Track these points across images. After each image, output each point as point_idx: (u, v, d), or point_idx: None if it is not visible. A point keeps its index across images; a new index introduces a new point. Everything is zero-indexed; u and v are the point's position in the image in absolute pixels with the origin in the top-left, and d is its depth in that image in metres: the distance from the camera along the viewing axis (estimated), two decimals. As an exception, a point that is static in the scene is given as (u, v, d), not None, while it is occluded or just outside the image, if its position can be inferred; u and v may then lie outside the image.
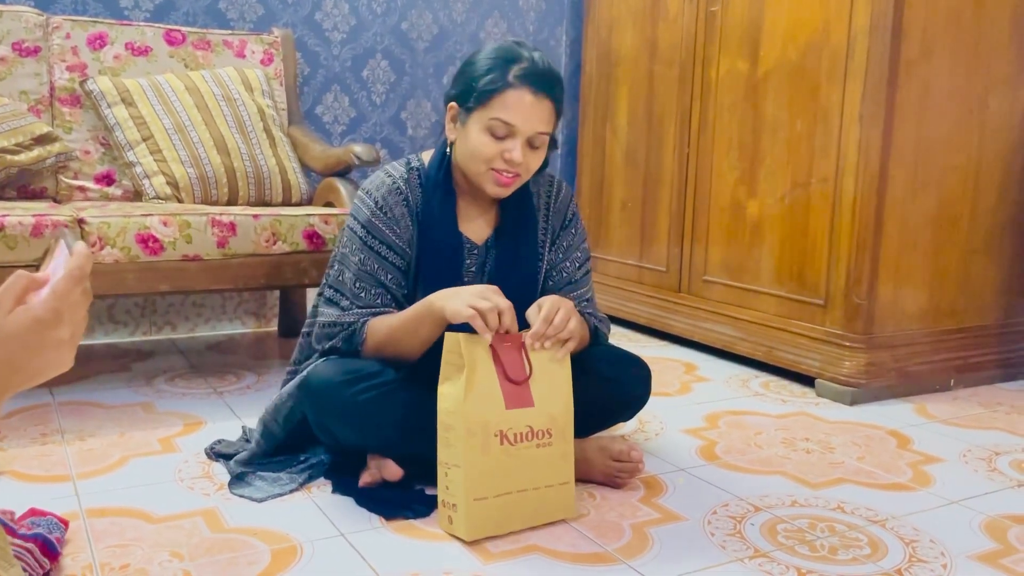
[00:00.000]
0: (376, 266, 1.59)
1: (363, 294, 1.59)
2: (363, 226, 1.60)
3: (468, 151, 1.55)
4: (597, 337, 1.71)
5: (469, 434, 1.39)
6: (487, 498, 1.40)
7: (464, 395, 1.39)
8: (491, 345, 1.42)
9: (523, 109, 1.50)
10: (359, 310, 1.58)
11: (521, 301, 1.50)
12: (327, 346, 1.60)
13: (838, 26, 2.27)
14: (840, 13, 2.26)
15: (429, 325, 1.51)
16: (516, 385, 1.44)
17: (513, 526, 1.44)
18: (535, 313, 1.46)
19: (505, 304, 1.43)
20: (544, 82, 1.52)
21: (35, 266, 0.86)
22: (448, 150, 1.61)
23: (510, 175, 1.54)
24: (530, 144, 1.54)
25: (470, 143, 1.54)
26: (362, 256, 1.59)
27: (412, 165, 1.65)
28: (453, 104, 1.58)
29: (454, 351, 1.42)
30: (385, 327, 1.55)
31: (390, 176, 1.62)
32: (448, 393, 1.41)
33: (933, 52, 2.25)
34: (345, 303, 1.60)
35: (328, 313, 1.61)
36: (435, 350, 1.48)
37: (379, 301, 1.59)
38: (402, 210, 1.60)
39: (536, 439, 1.45)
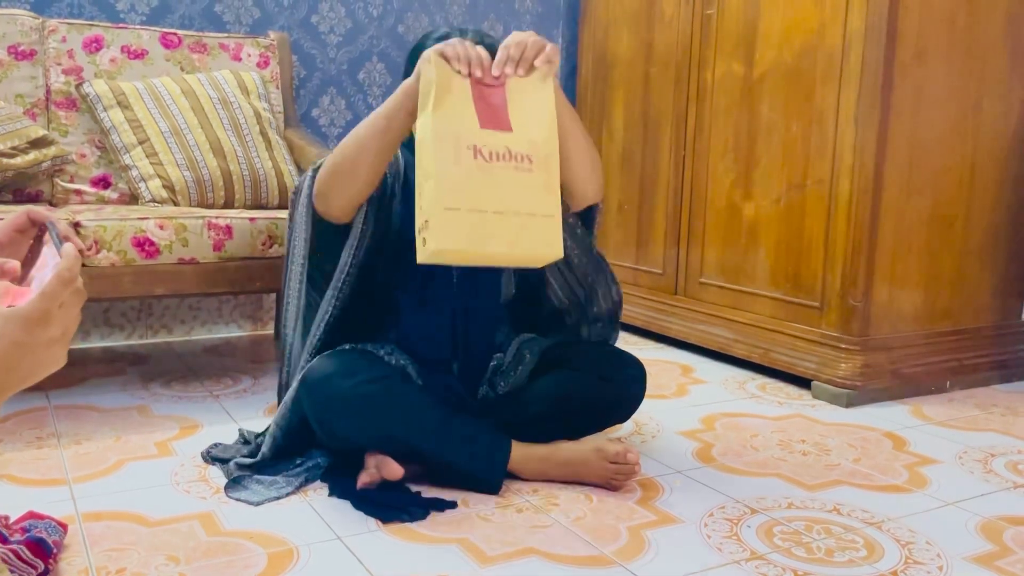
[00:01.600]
0: None
1: None
2: None
3: None
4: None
5: (438, 140, 1.32)
6: (460, 209, 1.32)
7: (432, 109, 1.34)
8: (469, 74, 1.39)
9: None
10: None
11: (496, 276, 1.55)
12: (290, 214, 1.67)
13: (833, 29, 2.27)
14: (835, 16, 2.27)
15: (399, 103, 1.47)
16: (490, 101, 1.37)
17: (491, 248, 1.34)
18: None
19: (479, 53, 1.41)
20: (462, 33, 1.64)
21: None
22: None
23: None
24: None
25: None
26: None
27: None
28: None
29: (425, 78, 1.37)
30: (346, 138, 1.54)
31: None
32: (420, 116, 1.37)
33: (927, 55, 2.26)
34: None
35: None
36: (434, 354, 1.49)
37: None
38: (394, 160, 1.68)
39: (515, 161, 1.37)
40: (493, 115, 1.37)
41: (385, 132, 1.49)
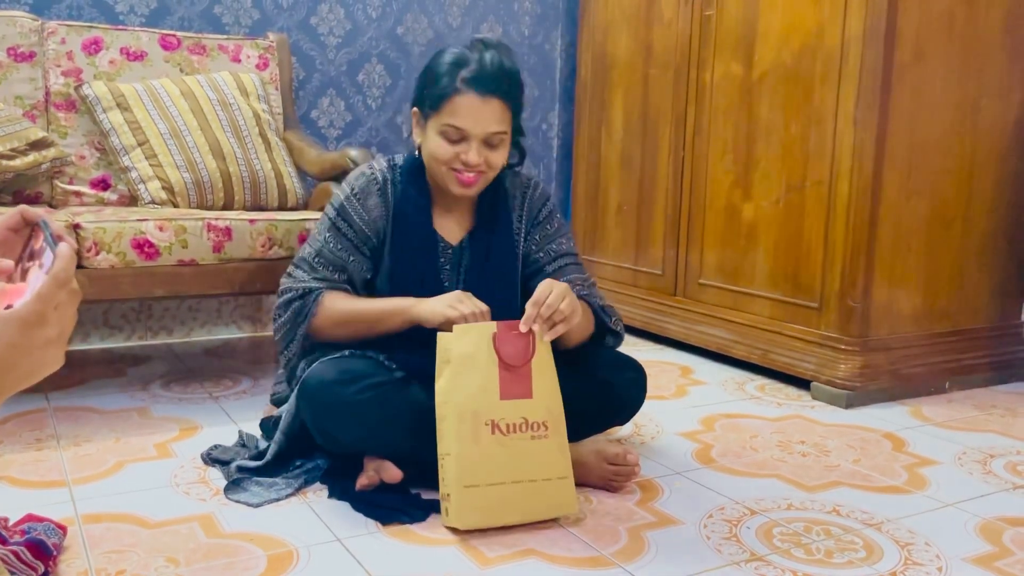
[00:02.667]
0: (339, 247, 1.65)
1: (320, 269, 1.65)
2: (335, 209, 1.67)
3: (429, 154, 1.63)
4: (603, 320, 1.70)
5: (459, 421, 1.41)
6: (479, 486, 1.41)
7: (453, 385, 1.42)
8: (495, 334, 1.45)
9: (471, 113, 1.56)
10: (315, 282, 1.64)
11: (499, 300, 1.56)
12: (280, 314, 1.66)
13: (832, 30, 2.28)
14: (834, 17, 2.27)
15: (399, 323, 1.57)
16: (514, 372, 1.45)
17: (509, 519, 1.45)
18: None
19: (482, 308, 1.49)
20: (491, 83, 1.56)
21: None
22: (417, 153, 1.69)
23: (471, 175, 1.60)
24: (487, 144, 1.59)
25: (429, 147, 1.62)
26: (327, 236, 1.66)
27: (395, 162, 1.72)
28: (415, 109, 1.66)
29: (444, 347, 1.46)
30: (347, 306, 1.61)
31: (371, 168, 1.70)
32: (441, 387, 1.45)
33: (926, 56, 2.26)
34: (299, 274, 1.67)
35: (284, 283, 1.68)
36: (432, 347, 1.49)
37: (336, 277, 1.65)
38: (376, 200, 1.66)
39: (531, 431, 1.46)
40: (515, 382, 1.45)
41: (381, 332, 1.59)
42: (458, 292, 1.54)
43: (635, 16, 2.98)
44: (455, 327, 1.46)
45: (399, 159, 1.72)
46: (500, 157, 1.62)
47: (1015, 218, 2.53)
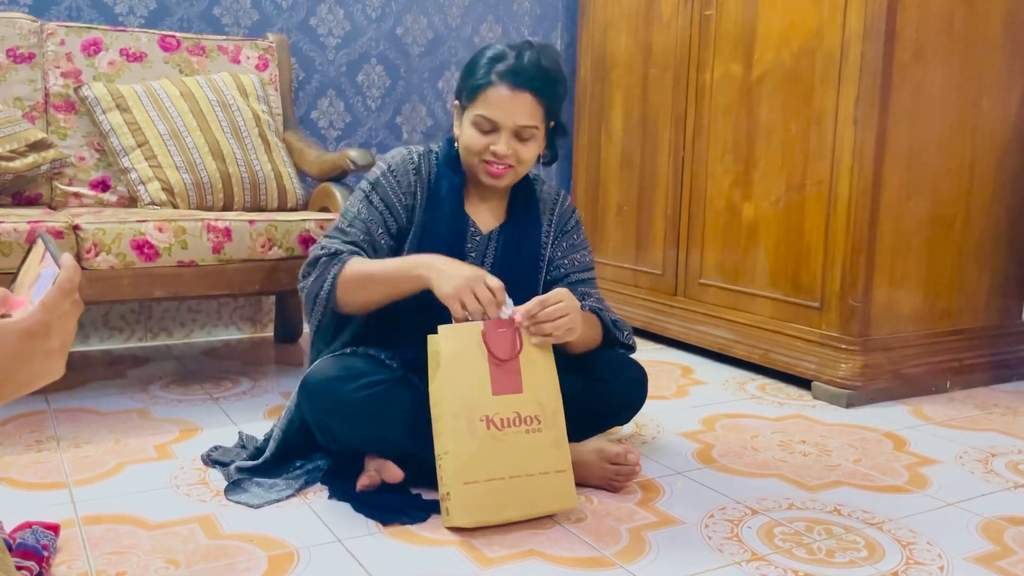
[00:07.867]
0: (371, 218, 1.66)
1: (352, 231, 1.65)
2: (371, 184, 1.69)
3: (463, 145, 1.65)
4: (613, 334, 1.73)
5: (454, 418, 1.42)
6: (478, 482, 1.42)
7: (446, 382, 1.43)
8: (483, 331, 1.46)
9: (502, 104, 1.58)
10: (345, 244, 1.64)
11: (521, 293, 1.56)
12: (308, 271, 1.65)
13: (831, 30, 2.27)
14: (833, 17, 2.27)
15: (410, 286, 1.55)
16: (503, 367, 1.46)
17: (510, 514, 1.45)
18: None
19: (495, 284, 1.47)
20: (523, 78, 1.58)
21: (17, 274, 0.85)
22: (457, 144, 1.70)
23: (500, 167, 1.62)
24: (517, 137, 1.61)
25: (464, 138, 1.64)
26: (360, 207, 1.67)
27: (431, 148, 1.74)
28: (456, 101, 1.69)
29: (434, 351, 1.46)
30: (365, 267, 1.59)
31: (408, 150, 1.72)
32: (433, 389, 1.46)
33: (926, 55, 2.26)
34: (330, 241, 1.66)
35: (313, 250, 1.68)
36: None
37: (363, 239, 1.65)
38: (410, 179, 1.68)
39: (524, 425, 1.46)
40: (506, 377, 1.46)
41: (400, 294, 1.58)
42: (477, 274, 1.49)
43: (634, 16, 2.98)
44: (440, 328, 1.47)
45: (435, 145, 1.75)
46: (530, 151, 1.63)
47: (1015, 217, 2.53)
